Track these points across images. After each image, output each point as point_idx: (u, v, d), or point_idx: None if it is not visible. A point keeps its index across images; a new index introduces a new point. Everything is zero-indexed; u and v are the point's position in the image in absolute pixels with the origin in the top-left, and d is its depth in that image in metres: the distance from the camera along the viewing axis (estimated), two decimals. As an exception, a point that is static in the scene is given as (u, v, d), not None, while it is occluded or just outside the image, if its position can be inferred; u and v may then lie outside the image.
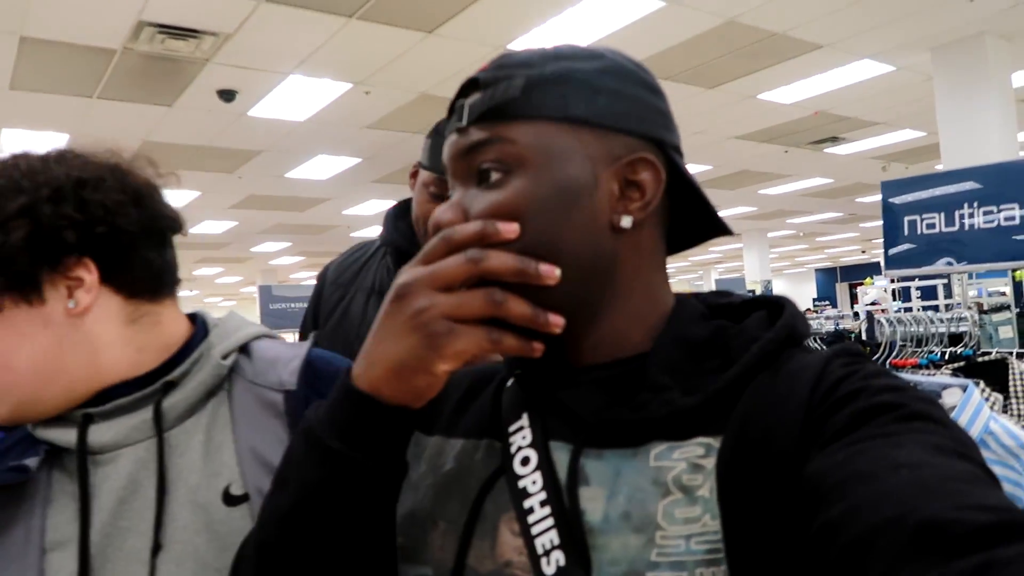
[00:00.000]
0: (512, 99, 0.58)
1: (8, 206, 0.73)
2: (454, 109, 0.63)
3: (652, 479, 0.53)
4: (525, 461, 0.58)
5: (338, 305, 1.61)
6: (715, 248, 18.33)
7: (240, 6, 4.12)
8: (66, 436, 0.77)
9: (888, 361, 3.00)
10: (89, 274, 0.77)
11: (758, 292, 11.55)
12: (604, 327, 0.60)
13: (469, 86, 0.61)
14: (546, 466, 0.57)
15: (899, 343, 3.33)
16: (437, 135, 1.47)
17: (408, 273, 0.55)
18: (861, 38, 5.20)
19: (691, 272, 25.38)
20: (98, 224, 0.76)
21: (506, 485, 0.58)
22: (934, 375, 2.60)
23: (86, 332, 0.78)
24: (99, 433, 0.78)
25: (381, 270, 1.63)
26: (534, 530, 0.54)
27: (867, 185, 10.73)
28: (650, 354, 0.59)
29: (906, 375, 2.52)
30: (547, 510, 0.55)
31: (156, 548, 0.74)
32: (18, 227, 0.73)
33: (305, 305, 1.79)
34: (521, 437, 0.60)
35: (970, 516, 0.37)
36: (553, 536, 0.53)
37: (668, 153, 0.61)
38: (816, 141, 8.07)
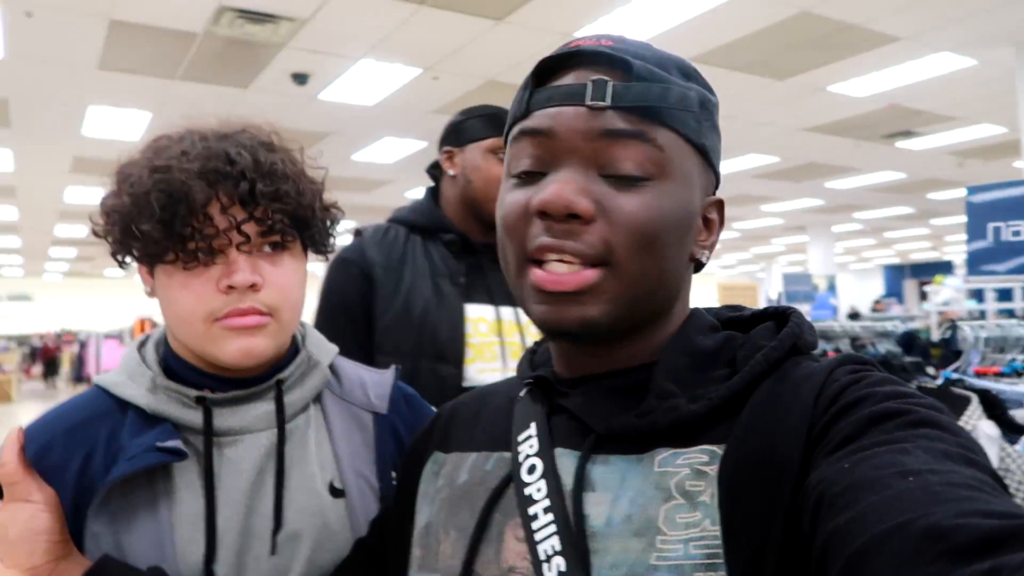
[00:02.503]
0: (675, 108, 0.58)
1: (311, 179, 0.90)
2: (554, 67, 0.60)
3: (655, 484, 0.54)
4: (532, 469, 0.59)
5: (396, 290, 1.53)
6: (778, 240, 17.95)
7: (316, -8, 4.24)
8: (189, 416, 0.84)
9: (971, 369, 2.90)
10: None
11: (822, 287, 11.27)
12: (641, 338, 0.62)
13: (596, 58, 0.59)
14: (551, 474, 0.58)
15: (980, 350, 3.24)
16: (482, 114, 1.62)
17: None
18: (941, 31, 5.03)
19: (753, 264, 24.87)
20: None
21: (514, 494, 0.59)
22: (1017, 384, 2.48)
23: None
24: (223, 418, 0.85)
25: (423, 251, 1.59)
26: (537, 536, 0.55)
27: (941, 181, 10.36)
28: (657, 363, 0.60)
29: (988, 383, 2.45)
30: (550, 516, 0.55)
31: (277, 527, 0.83)
32: (315, 194, 0.88)
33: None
34: (529, 446, 0.61)
35: (977, 522, 0.37)
36: (555, 542, 0.54)
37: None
38: (888, 135, 7.83)
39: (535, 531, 0.55)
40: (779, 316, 0.64)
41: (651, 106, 0.57)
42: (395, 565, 0.71)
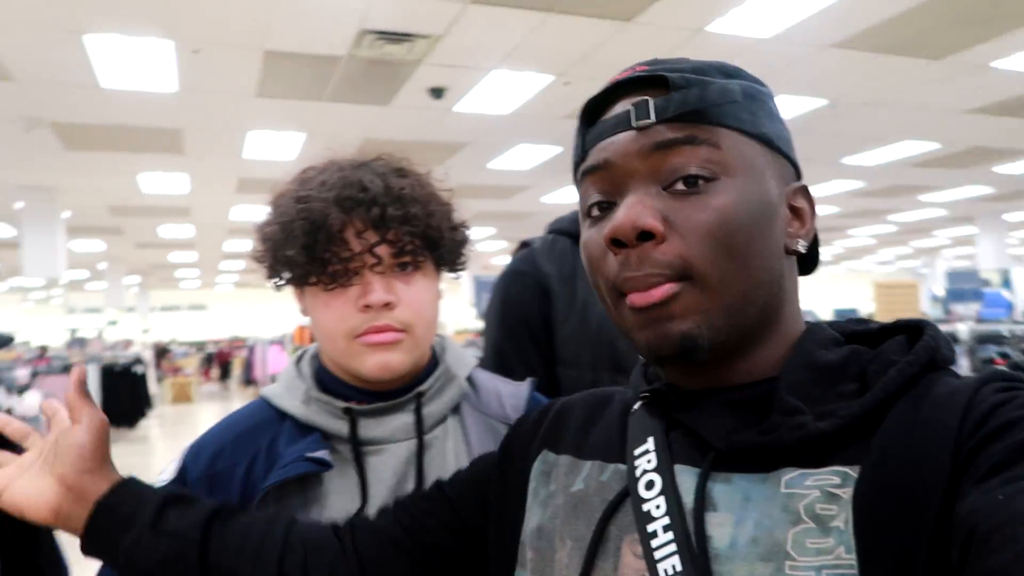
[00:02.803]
0: (717, 104, 0.57)
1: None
2: (599, 106, 0.62)
3: (782, 506, 0.52)
4: (650, 485, 0.57)
5: (572, 302, 1.48)
6: (941, 232, 16.57)
7: (449, 8, 4.39)
8: (337, 426, 0.92)
9: None
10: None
11: (995, 282, 10.28)
12: (757, 350, 0.60)
13: (634, 85, 0.60)
14: (670, 491, 0.56)
15: None
16: None
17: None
18: None
19: (913, 259, 23.11)
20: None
21: (631, 509, 0.58)
22: None
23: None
24: (367, 428, 0.92)
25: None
26: (657, 555, 0.54)
27: None
28: (780, 377, 0.57)
29: None
30: (670, 535, 0.54)
31: None
32: (444, 214, 0.94)
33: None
34: (646, 461, 0.59)
35: None
36: (676, 562, 0.52)
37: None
38: (1070, 111, 7.05)
39: (654, 549, 0.54)
40: (911, 329, 0.60)
41: (695, 109, 0.57)
42: (488, 535, 0.72)
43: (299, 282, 0.92)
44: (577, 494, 0.64)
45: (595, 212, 0.61)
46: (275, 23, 4.49)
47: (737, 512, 0.53)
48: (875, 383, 0.54)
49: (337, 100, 6.00)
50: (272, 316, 25.82)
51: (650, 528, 0.55)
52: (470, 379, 1.01)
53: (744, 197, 0.56)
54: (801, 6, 4.49)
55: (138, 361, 11.24)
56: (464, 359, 1.02)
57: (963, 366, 6.08)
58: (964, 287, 8.57)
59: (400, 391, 0.94)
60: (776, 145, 0.61)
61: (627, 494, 0.59)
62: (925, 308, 10.36)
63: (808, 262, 0.67)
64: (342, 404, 0.92)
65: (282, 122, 6.57)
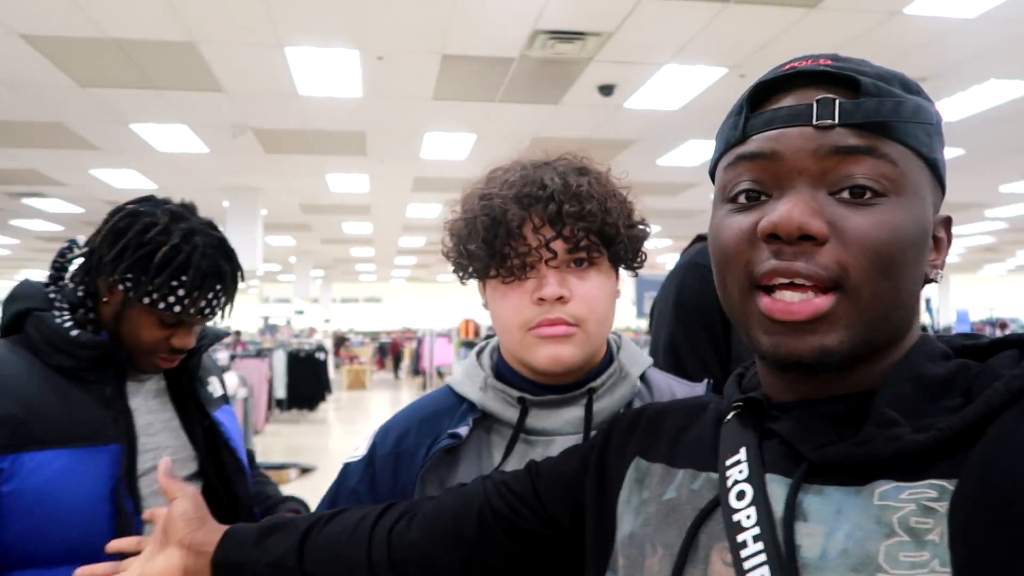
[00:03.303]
0: (907, 121, 0.56)
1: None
2: (770, 91, 0.60)
3: (875, 518, 0.51)
4: (741, 495, 0.57)
5: None
6: None
7: (621, 4, 4.35)
8: (509, 413, 0.96)
9: None
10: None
11: None
12: (870, 365, 0.59)
13: (815, 78, 0.58)
14: (761, 502, 0.56)
15: None
16: None
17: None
18: None
19: None
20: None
21: (721, 518, 0.58)
22: None
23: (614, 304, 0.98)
24: (537, 419, 0.95)
25: None
26: (746, 564, 0.53)
27: None
28: (880, 389, 0.56)
29: None
30: (760, 545, 0.53)
31: None
32: (621, 212, 0.95)
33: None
34: (738, 471, 0.59)
35: None
36: (765, 572, 0.52)
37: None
38: None
39: (744, 559, 0.54)
40: (1023, 344, 0.58)
41: (882, 121, 0.55)
42: (583, 536, 0.73)
43: (481, 275, 0.96)
44: (669, 502, 0.64)
45: (741, 199, 0.59)
46: (453, 28, 4.66)
47: (829, 523, 0.53)
48: (978, 396, 0.53)
49: (508, 100, 6.14)
50: (441, 310, 26.92)
51: (740, 538, 0.55)
52: (644, 378, 1.01)
53: (909, 219, 0.55)
54: (1017, -20, 4.03)
55: (320, 349, 12.09)
56: (639, 357, 1.03)
57: None
58: None
59: (573, 385, 0.95)
60: (939, 173, 0.60)
61: (718, 503, 0.59)
62: None
63: None
64: (516, 393, 0.95)
65: (455, 124, 6.82)
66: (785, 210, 0.54)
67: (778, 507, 0.55)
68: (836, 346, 0.55)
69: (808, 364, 0.55)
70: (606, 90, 5.85)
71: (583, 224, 0.90)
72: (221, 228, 1.32)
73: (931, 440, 0.51)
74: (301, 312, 24.95)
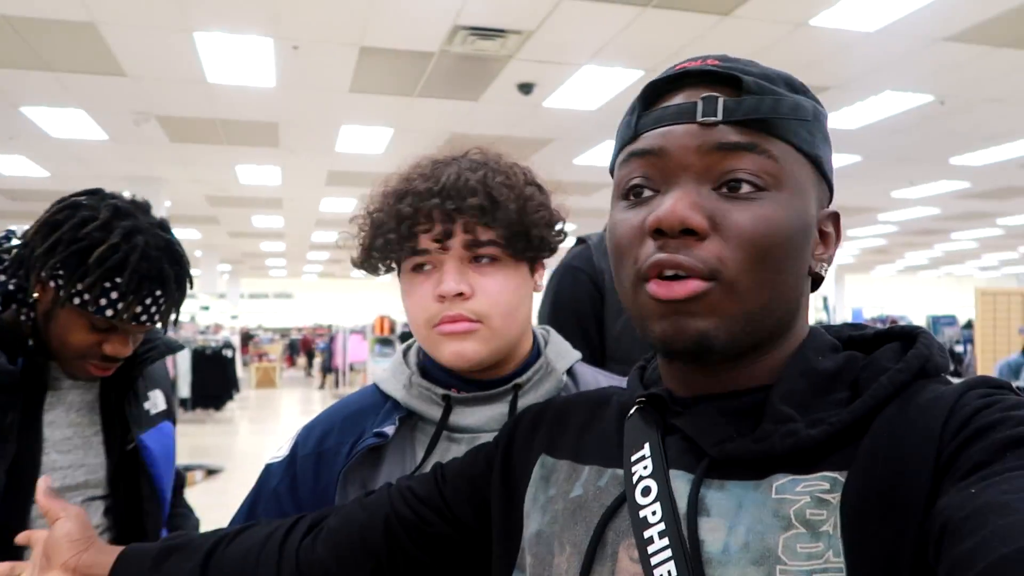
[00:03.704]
0: (787, 118, 0.57)
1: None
2: (661, 90, 0.61)
3: (773, 511, 0.52)
4: (646, 491, 0.58)
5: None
6: (1054, 239, 15.56)
7: (542, 4, 4.37)
8: (432, 411, 0.95)
9: None
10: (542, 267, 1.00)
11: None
12: (761, 359, 0.61)
13: (703, 78, 0.59)
14: (666, 498, 0.57)
15: None
16: None
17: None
18: None
19: (1020, 265, 21.81)
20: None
21: (628, 514, 0.59)
22: None
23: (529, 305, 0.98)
24: (461, 416, 0.94)
25: None
26: (653, 560, 0.55)
27: None
28: (775, 385, 0.58)
29: None
30: (665, 541, 0.55)
31: None
32: (529, 208, 0.93)
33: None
34: (643, 467, 0.60)
35: None
36: (671, 567, 0.53)
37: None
38: None
39: (651, 555, 0.55)
40: (905, 336, 0.62)
41: (763, 118, 0.57)
42: (489, 535, 0.73)
43: (388, 271, 0.97)
44: (576, 499, 0.65)
45: (632, 196, 0.61)
46: (372, 19, 4.57)
47: (730, 518, 0.54)
48: (866, 390, 0.55)
49: (427, 95, 6.08)
50: (354, 306, 26.48)
51: (647, 534, 0.56)
52: (572, 372, 1.01)
53: (789, 213, 0.57)
54: (904, 2, 4.28)
55: (228, 345, 11.69)
56: (566, 353, 1.03)
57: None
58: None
59: (498, 382, 0.95)
60: (823, 168, 0.61)
61: (624, 500, 0.60)
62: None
63: (814, 281, 0.67)
64: (442, 391, 0.94)
65: (372, 117, 6.70)
66: (668, 206, 0.56)
67: (682, 503, 0.57)
68: (714, 332, 0.56)
69: (690, 350, 0.57)
70: (525, 88, 5.87)
71: (481, 220, 0.89)
72: None
73: (823, 434, 0.53)
74: (207, 308, 24.04)
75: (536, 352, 1.00)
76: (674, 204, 0.56)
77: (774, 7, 4.40)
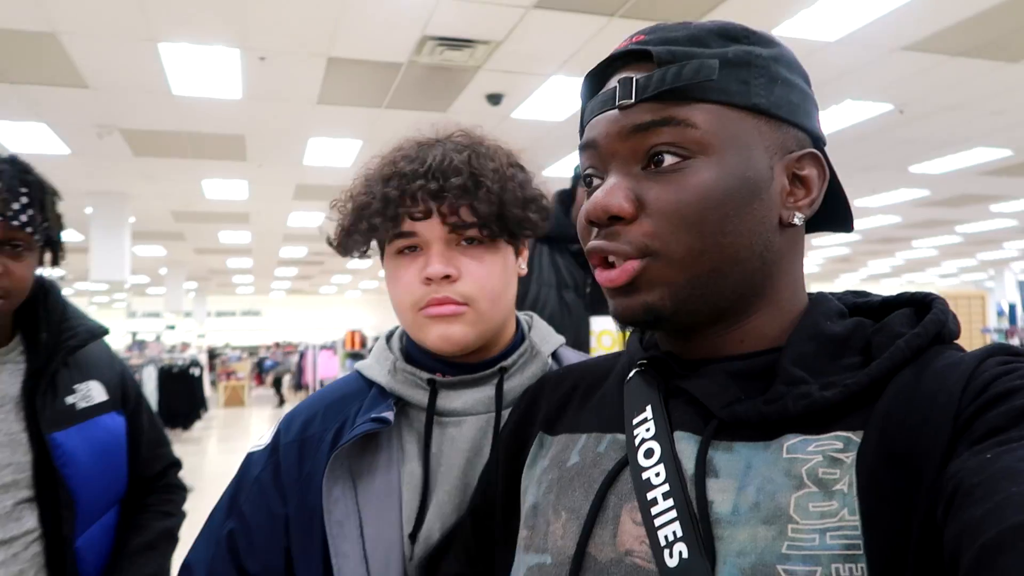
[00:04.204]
0: (693, 80, 0.56)
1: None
2: (599, 79, 0.62)
3: (785, 471, 0.52)
4: (649, 453, 0.57)
5: (523, 300, 1.51)
6: (1011, 244, 15.97)
7: (510, 14, 4.39)
8: (418, 396, 0.94)
9: None
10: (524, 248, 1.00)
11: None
12: (752, 321, 0.60)
13: (628, 58, 0.59)
14: (669, 458, 0.56)
15: None
16: None
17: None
18: None
19: (979, 272, 22.36)
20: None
21: (630, 478, 0.58)
22: None
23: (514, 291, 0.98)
24: (447, 399, 0.94)
25: (550, 262, 1.61)
26: (657, 521, 0.54)
27: None
28: (785, 348, 0.58)
29: None
30: (670, 502, 0.54)
31: None
32: (512, 189, 0.93)
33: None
34: (645, 429, 0.59)
35: None
36: (676, 528, 0.52)
37: (823, 149, 0.62)
38: None
39: (655, 516, 0.54)
40: (917, 303, 0.61)
41: (671, 88, 0.56)
42: (501, 542, 0.72)
43: (362, 256, 0.96)
44: (573, 467, 0.64)
45: (587, 185, 0.64)
46: (340, 30, 4.56)
47: (739, 478, 0.53)
48: (880, 354, 0.55)
49: (396, 107, 6.07)
50: (323, 322, 26.22)
51: (650, 496, 0.55)
52: (556, 356, 1.02)
53: (721, 174, 0.55)
54: (870, 8, 4.37)
55: (195, 364, 11.48)
56: (550, 336, 1.03)
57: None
58: (1038, 300, 8.25)
59: (484, 365, 0.95)
60: (775, 113, 0.58)
61: (626, 463, 0.59)
62: (992, 322, 9.99)
63: (840, 220, 0.67)
64: (426, 376, 0.94)
65: (341, 129, 6.67)
66: (594, 196, 0.58)
67: (688, 464, 0.56)
68: (659, 302, 0.57)
69: (643, 321, 0.58)
70: (494, 99, 5.89)
71: (466, 201, 0.89)
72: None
73: (839, 395, 0.53)
74: (172, 327, 23.64)
75: (520, 336, 1.01)
76: (598, 194, 0.58)
77: (736, 17, 4.46)
